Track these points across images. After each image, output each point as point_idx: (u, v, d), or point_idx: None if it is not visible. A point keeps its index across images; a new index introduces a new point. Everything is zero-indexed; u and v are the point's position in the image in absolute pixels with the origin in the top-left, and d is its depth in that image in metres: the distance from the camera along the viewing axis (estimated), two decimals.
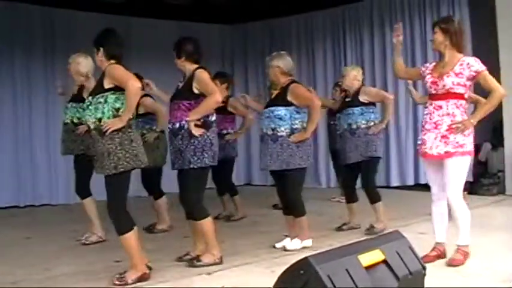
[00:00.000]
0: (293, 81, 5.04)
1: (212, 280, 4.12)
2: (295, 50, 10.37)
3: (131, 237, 4.03)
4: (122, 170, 3.93)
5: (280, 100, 4.95)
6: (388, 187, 9.09)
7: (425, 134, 4.28)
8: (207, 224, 4.47)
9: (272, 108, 4.95)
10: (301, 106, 4.96)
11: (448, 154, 4.16)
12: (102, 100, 3.96)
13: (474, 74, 4.17)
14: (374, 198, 5.73)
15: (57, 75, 8.59)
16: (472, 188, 8.21)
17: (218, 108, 4.76)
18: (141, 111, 5.99)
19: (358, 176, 5.94)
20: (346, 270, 2.51)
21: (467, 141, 4.20)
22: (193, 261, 4.55)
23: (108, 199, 4.04)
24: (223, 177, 6.66)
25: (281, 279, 2.64)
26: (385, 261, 2.74)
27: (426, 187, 8.61)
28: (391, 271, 2.73)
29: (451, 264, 4.22)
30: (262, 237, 5.69)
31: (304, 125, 4.96)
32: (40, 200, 8.68)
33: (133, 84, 3.89)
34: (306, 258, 2.51)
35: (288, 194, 5.06)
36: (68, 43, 8.98)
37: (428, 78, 4.30)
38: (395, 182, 9.13)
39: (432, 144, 4.22)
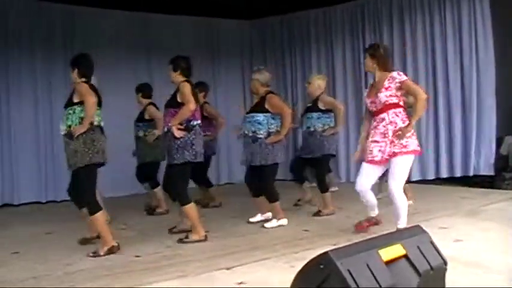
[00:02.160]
0: (270, 92, 5.99)
1: (231, 275, 4.12)
2: (314, 45, 10.36)
3: (101, 217, 4.93)
4: (86, 163, 4.83)
5: (259, 108, 5.91)
6: (408, 182, 8.99)
7: (375, 145, 4.96)
8: (190, 208, 5.33)
9: (253, 114, 5.92)
10: (275, 113, 5.89)
11: (394, 154, 4.87)
12: (71, 112, 4.89)
13: (399, 84, 4.89)
14: (322, 189, 6.61)
15: None
16: (493, 182, 8.14)
17: None
18: (147, 117, 7.10)
19: (306, 168, 7.15)
20: (367, 265, 2.48)
21: (410, 142, 4.90)
22: (182, 239, 5.35)
23: (80, 189, 5.00)
24: (200, 172, 7.39)
25: (301, 274, 2.63)
26: (406, 256, 2.71)
27: (447, 181, 8.63)
28: (412, 266, 2.70)
29: None
30: (281, 232, 5.69)
31: (279, 128, 5.92)
32: (61, 195, 8.77)
33: (90, 99, 4.80)
34: (326, 252, 2.49)
35: (264, 183, 6.02)
36: (88, 41, 9.06)
37: (367, 100, 5.09)
38: (415, 177, 9.05)
39: (384, 151, 4.91)
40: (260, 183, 6.06)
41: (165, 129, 5.35)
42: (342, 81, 10.00)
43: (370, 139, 5.03)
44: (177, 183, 5.37)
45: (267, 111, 5.87)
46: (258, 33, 11.16)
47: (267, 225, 5.98)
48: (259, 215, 6.27)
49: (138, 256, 4.83)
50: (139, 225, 6.33)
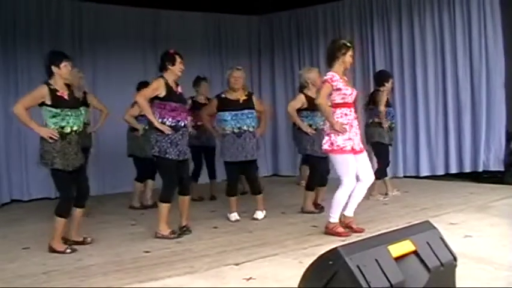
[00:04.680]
0: (252, 93, 6.48)
1: (240, 271, 4.13)
2: (322, 40, 10.31)
3: None
4: None
5: (251, 105, 6.21)
6: (417, 177, 8.99)
7: (355, 135, 5.16)
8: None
9: (251, 111, 6.18)
10: (258, 111, 6.32)
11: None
12: None
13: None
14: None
15: (85, 69, 8.78)
16: (503, 178, 8.10)
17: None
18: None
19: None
20: (376, 261, 2.48)
21: None
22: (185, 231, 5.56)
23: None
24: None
25: (310, 269, 2.63)
26: (415, 252, 2.70)
27: (457, 177, 8.58)
28: (422, 262, 2.69)
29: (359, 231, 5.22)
30: (290, 228, 5.69)
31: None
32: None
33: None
34: (335, 248, 2.49)
35: (257, 177, 6.44)
36: (97, 37, 9.09)
37: (348, 90, 5.20)
38: (424, 172, 9.02)
39: (358, 141, 5.21)
40: (252, 176, 6.35)
41: (183, 124, 5.49)
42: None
43: (350, 130, 5.14)
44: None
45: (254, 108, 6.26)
46: (267, 29, 11.14)
47: (258, 217, 6.24)
48: (260, 212, 6.35)
49: (147, 252, 4.85)
50: (149, 221, 6.34)
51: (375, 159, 7.28)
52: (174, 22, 9.89)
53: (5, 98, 8.34)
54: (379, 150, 7.28)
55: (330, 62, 5.26)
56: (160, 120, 5.33)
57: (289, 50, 10.86)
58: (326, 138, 5.16)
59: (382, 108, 7.03)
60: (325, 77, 5.20)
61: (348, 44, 5.25)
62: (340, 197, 5.14)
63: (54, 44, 8.62)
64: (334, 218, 5.19)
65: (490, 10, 8.28)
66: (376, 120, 7.14)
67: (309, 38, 10.56)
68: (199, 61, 9.78)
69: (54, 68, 4.88)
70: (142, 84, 7.34)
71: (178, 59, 5.43)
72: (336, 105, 5.18)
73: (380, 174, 7.06)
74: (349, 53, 5.23)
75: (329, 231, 5.19)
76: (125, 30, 9.39)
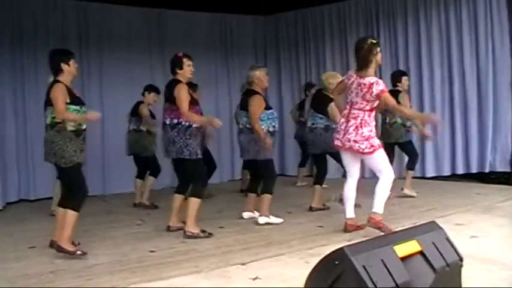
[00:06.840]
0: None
1: (246, 270, 4.13)
2: (328, 40, 10.33)
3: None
4: None
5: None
6: (423, 178, 8.97)
7: None
8: None
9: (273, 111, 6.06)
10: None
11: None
12: None
13: None
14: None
15: (91, 69, 8.81)
16: (509, 179, 8.07)
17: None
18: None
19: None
20: (382, 261, 2.48)
21: None
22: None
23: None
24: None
25: (316, 269, 2.63)
26: (421, 252, 2.71)
27: (463, 178, 8.53)
28: (428, 262, 2.70)
29: None
30: (296, 228, 5.69)
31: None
32: None
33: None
34: (341, 248, 2.49)
35: None
36: (103, 37, 9.12)
37: None
38: (431, 173, 9.00)
39: None
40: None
41: None
42: None
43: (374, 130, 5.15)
44: None
45: None
46: (272, 29, 11.15)
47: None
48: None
49: (153, 251, 4.87)
50: (155, 221, 6.36)
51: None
52: (180, 22, 9.89)
53: (12, 98, 8.38)
54: (412, 147, 7.50)
55: (365, 66, 5.08)
56: (186, 124, 5.32)
57: (295, 50, 10.87)
58: (365, 142, 4.99)
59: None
60: (381, 87, 4.97)
61: (375, 42, 5.15)
62: (388, 188, 5.12)
63: (60, 44, 8.66)
64: (380, 209, 5.12)
65: (497, 10, 8.24)
66: (400, 120, 7.17)
67: (315, 38, 10.56)
68: (205, 61, 9.78)
69: (64, 66, 4.76)
70: (150, 87, 7.40)
71: (186, 62, 5.43)
72: (372, 109, 5.10)
73: (414, 165, 7.49)
74: (378, 49, 5.12)
75: (376, 223, 5.09)
76: (130, 31, 9.41)
